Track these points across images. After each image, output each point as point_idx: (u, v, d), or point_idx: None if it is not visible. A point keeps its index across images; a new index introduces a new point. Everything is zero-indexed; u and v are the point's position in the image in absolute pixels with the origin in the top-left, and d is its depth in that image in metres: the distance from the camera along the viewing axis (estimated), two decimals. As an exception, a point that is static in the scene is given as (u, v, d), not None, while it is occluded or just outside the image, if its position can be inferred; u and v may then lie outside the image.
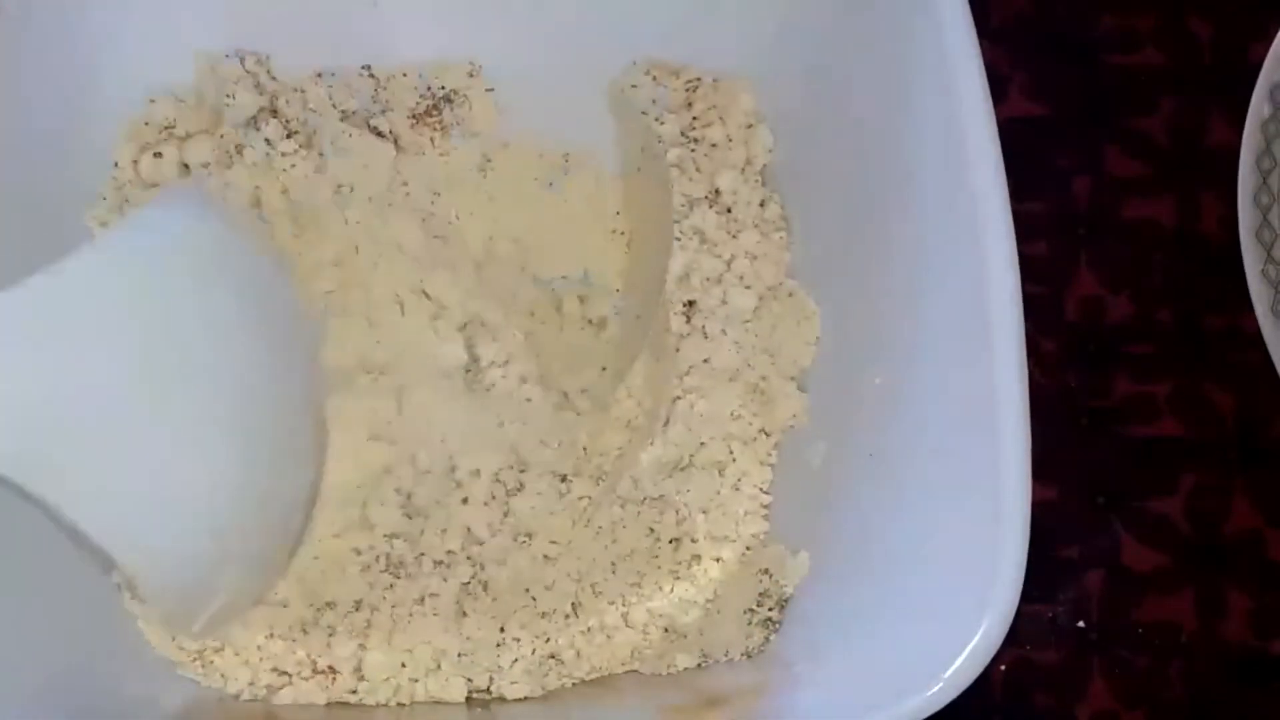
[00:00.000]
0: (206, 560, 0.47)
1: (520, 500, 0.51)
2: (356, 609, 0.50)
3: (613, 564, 0.50)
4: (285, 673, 0.49)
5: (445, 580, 0.50)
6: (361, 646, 0.49)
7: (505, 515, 0.51)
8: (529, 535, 0.51)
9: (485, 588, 0.50)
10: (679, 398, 0.50)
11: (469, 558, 0.50)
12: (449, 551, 0.50)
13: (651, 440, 0.50)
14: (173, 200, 0.50)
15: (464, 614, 0.50)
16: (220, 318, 0.47)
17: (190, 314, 0.46)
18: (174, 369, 0.45)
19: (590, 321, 0.54)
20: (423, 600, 0.50)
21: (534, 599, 0.50)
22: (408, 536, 0.51)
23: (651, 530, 0.50)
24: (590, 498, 0.51)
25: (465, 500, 0.51)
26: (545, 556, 0.50)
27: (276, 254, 0.52)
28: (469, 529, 0.51)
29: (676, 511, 0.50)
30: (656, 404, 0.51)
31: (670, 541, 0.50)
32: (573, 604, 0.50)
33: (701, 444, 0.50)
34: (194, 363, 0.46)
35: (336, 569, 0.50)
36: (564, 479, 0.51)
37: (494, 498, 0.51)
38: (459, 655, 0.49)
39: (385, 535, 0.51)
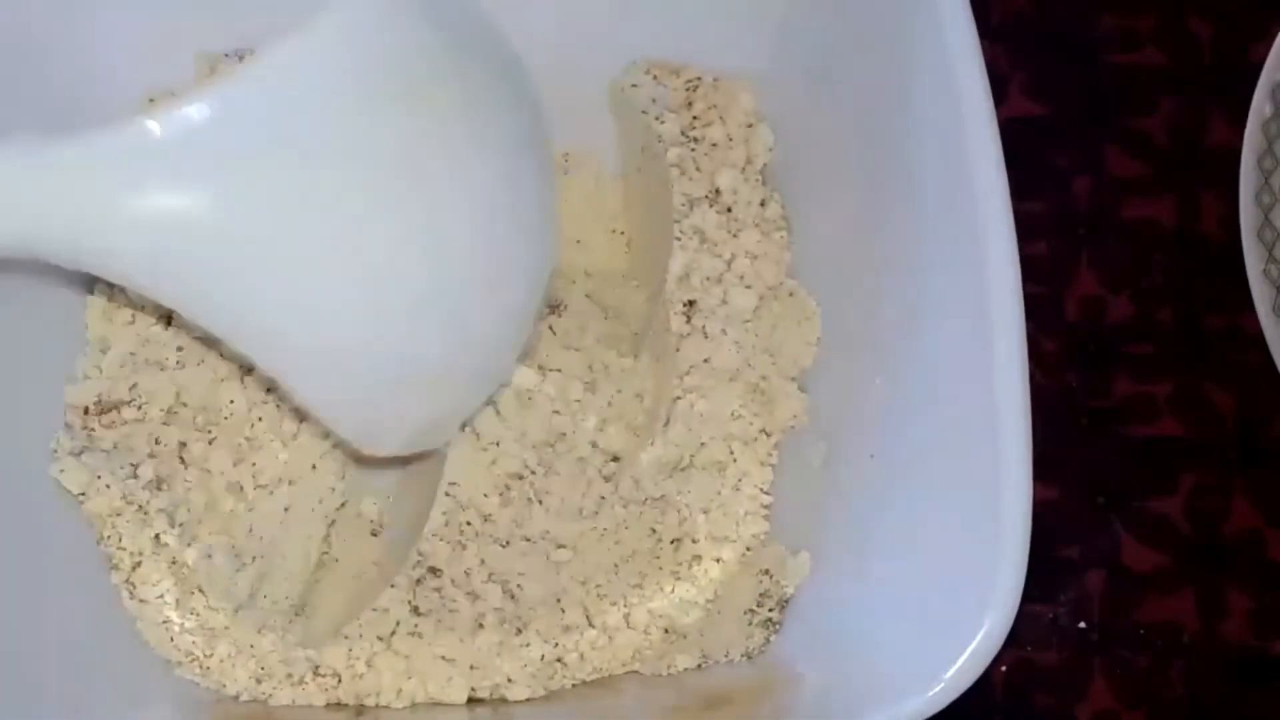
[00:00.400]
0: (396, 384, 0.45)
1: (529, 506, 0.51)
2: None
3: (615, 565, 0.50)
4: (285, 674, 0.49)
5: (465, 595, 0.50)
6: (369, 663, 0.49)
7: (515, 521, 0.51)
8: (539, 539, 0.51)
9: (503, 600, 0.50)
10: (679, 398, 0.50)
11: (483, 561, 0.50)
12: (467, 566, 0.50)
13: (652, 440, 0.50)
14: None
15: (480, 628, 0.50)
16: (434, 129, 0.44)
17: (393, 127, 0.43)
18: (367, 184, 0.43)
19: (591, 321, 0.54)
20: (439, 615, 0.50)
21: (551, 606, 0.50)
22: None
23: (653, 531, 0.50)
24: (603, 497, 0.51)
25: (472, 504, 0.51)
26: (555, 562, 0.50)
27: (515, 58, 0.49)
28: (484, 534, 0.51)
29: (678, 512, 0.50)
30: (656, 404, 0.51)
31: (671, 542, 0.50)
32: (585, 613, 0.50)
33: (702, 444, 0.50)
34: (397, 179, 0.43)
35: (351, 582, 0.50)
36: (555, 475, 0.51)
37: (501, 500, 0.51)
38: (471, 668, 0.49)
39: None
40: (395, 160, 0.43)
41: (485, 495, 0.50)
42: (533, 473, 0.51)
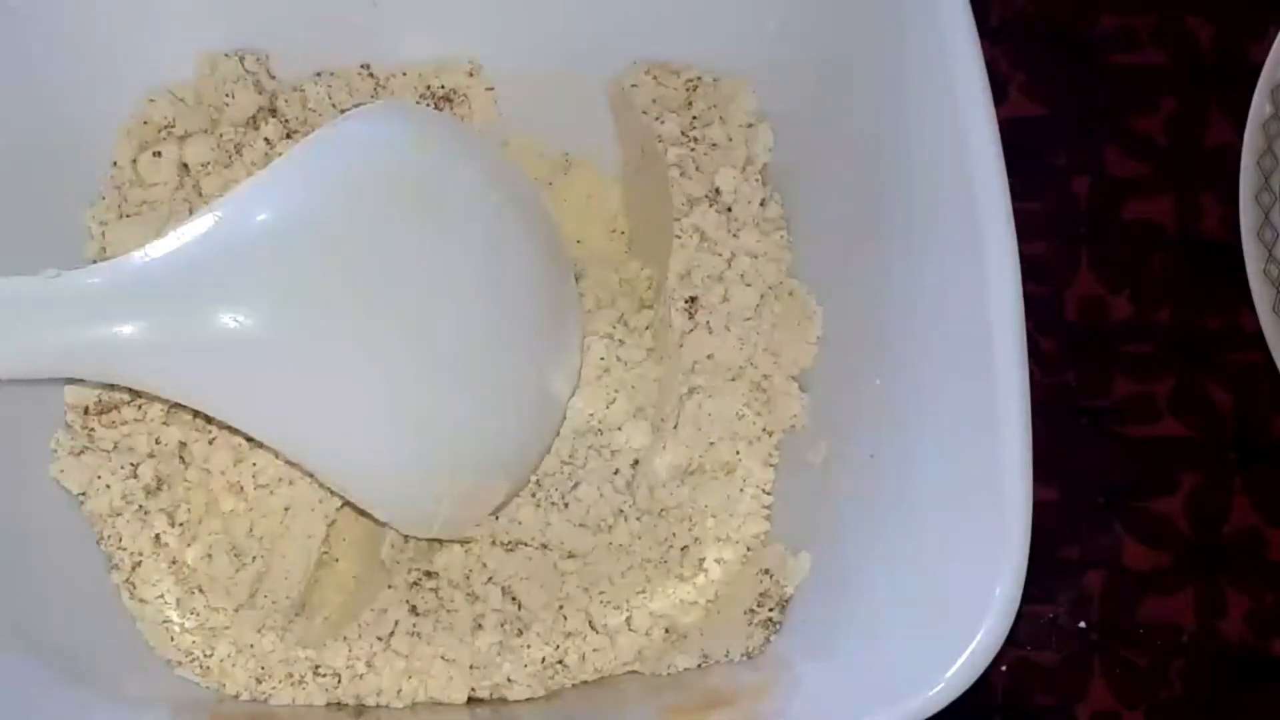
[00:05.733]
0: (436, 474, 0.47)
1: (538, 513, 0.51)
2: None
3: (622, 574, 0.50)
4: (285, 674, 0.49)
5: (464, 595, 0.50)
6: (369, 663, 0.49)
7: (524, 527, 0.51)
8: (549, 547, 0.51)
9: (504, 602, 0.50)
10: (685, 395, 0.50)
11: (484, 563, 0.50)
12: (467, 568, 0.50)
13: (664, 444, 0.50)
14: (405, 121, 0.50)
15: (479, 628, 0.50)
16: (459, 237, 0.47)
17: (422, 232, 0.46)
18: (396, 288, 0.45)
19: (591, 321, 0.54)
20: (438, 615, 0.50)
21: (553, 612, 0.50)
22: (421, 551, 0.51)
23: (663, 541, 0.50)
24: (621, 511, 0.51)
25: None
26: (561, 571, 0.50)
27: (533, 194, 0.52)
28: (489, 542, 0.51)
29: (689, 519, 0.50)
30: (663, 402, 0.51)
31: (681, 549, 0.50)
32: (588, 619, 0.50)
33: (710, 444, 0.50)
34: (425, 283, 0.46)
35: (351, 582, 0.50)
36: (577, 485, 0.51)
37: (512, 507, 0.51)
38: (471, 668, 0.49)
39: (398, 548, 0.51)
40: (433, 270, 0.46)
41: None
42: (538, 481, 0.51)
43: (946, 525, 0.44)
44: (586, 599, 0.50)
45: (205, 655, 0.49)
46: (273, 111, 0.52)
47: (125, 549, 0.49)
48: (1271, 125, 0.56)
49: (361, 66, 0.53)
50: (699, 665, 0.49)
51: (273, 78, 0.53)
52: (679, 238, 0.51)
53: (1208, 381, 0.58)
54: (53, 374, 0.45)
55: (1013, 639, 0.42)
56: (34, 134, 0.50)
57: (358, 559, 0.51)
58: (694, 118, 0.53)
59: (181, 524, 0.49)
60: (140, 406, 0.50)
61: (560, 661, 0.49)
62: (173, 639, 0.49)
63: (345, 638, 0.49)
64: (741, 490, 0.50)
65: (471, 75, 0.54)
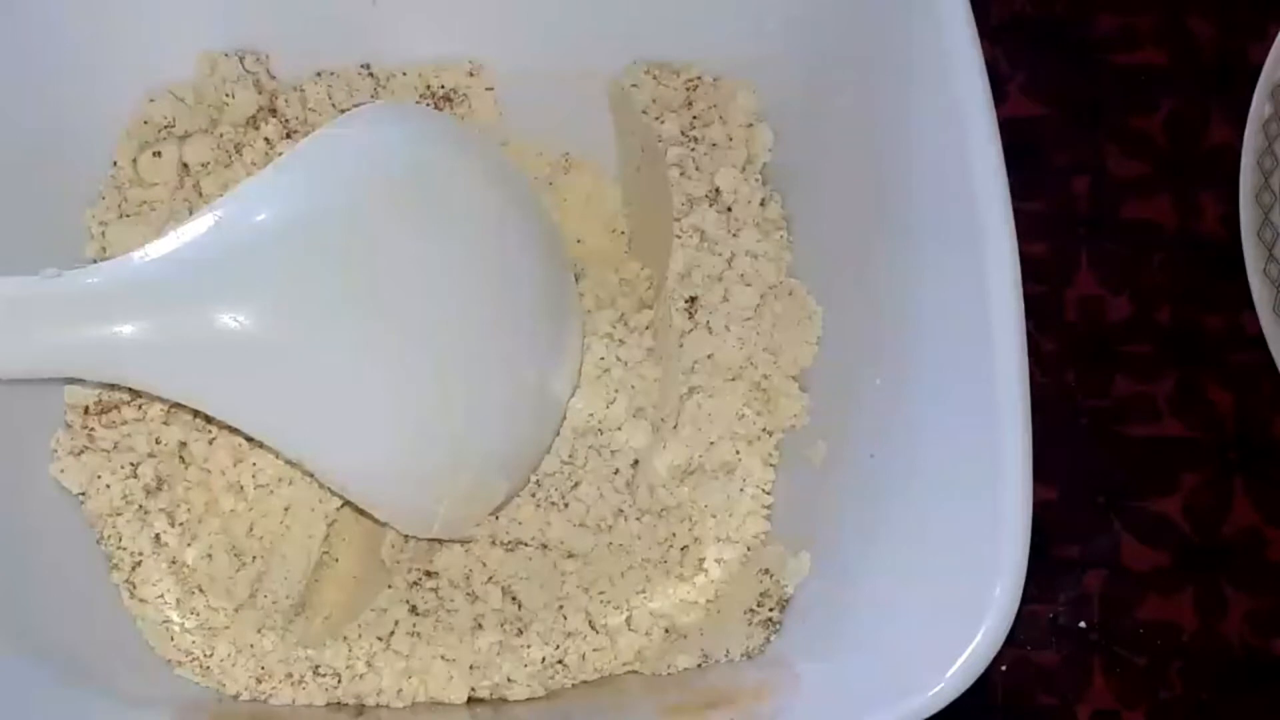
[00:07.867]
0: (436, 474, 0.47)
1: (538, 513, 0.51)
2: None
3: (622, 574, 0.50)
4: (285, 674, 0.49)
5: (464, 595, 0.50)
6: (369, 663, 0.49)
7: (524, 527, 0.51)
8: (549, 547, 0.51)
9: (504, 602, 0.50)
10: (685, 395, 0.50)
11: (484, 563, 0.50)
12: (467, 568, 0.50)
13: (664, 444, 0.50)
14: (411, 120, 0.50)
15: (479, 628, 0.50)
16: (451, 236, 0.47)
17: (412, 234, 0.46)
18: (390, 290, 0.45)
19: (591, 321, 0.54)
20: (438, 615, 0.50)
21: (553, 612, 0.50)
22: (421, 551, 0.51)
23: (663, 541, 0.50)
24: (621, 510, 0.51)
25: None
26: (561, 570, 0.50)
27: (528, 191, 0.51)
28: (489, 542, 0.51)
29: (689, 518, 0.50)
30: (663, 402, 0.51)
31: (681, 549, 0.50)
32: (588, 619, 0.50)
33: (710, 443, 0.50)
34: (422, 283, 0.46)
35: (351, 582, 0.50)
36: (577, 485, 0.51)
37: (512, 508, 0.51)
38: (471, 668, 0.49)
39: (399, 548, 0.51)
40: (433, 271, 0.46)
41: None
42: (539, 481, 0.51)
43: (946, 525, 0.44)
44: (586, 599, 0.50)
45: (205, 655, 0.49)
46: (273, 111, 0.52)
47: (125, 549, 0.49)
48: (1271, 125, 0.56)
49: (361, 66, 0.53)
50: (699, 665, 0.49)
51: (273, 78, 0.53)
52: (679, 238, 0.51)
53: (1208, 381, 0.58)
54: (53, 374, 0.45)
55: (1013, 639, 0.42)
56: (34, 134, 0.50)
57: (358, 559, 0.51)
58: (694, 118, 0.53)
59: (181, 524, 0.49)
60: (140, 406, 0.50)
61: (560, 661, 0.49)
62: (173, 639, 0.49)
63: (345, 638, 0.49)
64: (741, 490, 0.50)
65: (472, 75, 0.54)
